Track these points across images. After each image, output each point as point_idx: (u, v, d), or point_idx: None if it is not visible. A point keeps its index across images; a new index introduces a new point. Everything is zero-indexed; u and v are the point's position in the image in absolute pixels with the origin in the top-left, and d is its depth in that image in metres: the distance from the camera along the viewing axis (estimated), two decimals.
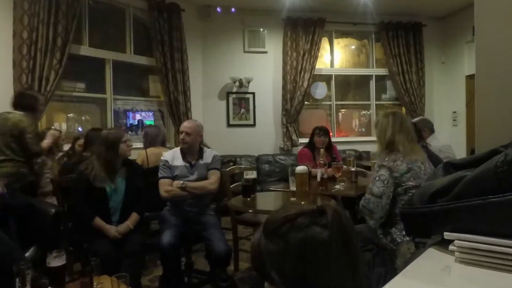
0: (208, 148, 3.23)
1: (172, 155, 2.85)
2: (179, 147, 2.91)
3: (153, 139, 3.74)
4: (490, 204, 0.66)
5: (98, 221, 2.50)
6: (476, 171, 0.72)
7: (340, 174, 3.15)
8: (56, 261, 1.64)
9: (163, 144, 3.84)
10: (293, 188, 2.56)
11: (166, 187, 2.75)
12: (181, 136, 2.82)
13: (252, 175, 2.82)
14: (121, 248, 2.47)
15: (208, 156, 2.90)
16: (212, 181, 2.79)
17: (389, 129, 2.23)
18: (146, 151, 3.63)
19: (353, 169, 3.31)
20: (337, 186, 3.03)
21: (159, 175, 2.81)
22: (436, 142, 3.48)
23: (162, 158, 2.85)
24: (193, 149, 2.83)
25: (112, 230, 2.50)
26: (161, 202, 2.87)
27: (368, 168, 3.68)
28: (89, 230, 2.50)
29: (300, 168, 2.53)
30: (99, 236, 2.46)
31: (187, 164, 2.81)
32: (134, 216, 2.62)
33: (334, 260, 0.71)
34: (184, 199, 2.76)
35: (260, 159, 5.85)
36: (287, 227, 0.74)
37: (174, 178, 2.79)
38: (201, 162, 2.84)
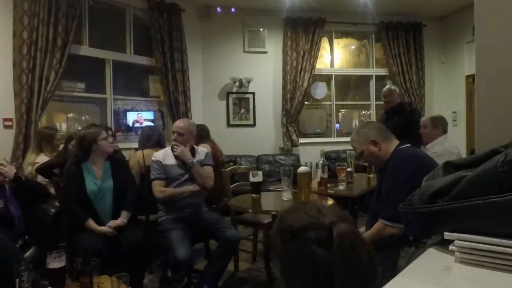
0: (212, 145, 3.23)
1: (164, 155, 2.81)
2: (169, 146, 2.87)
3: (145, 141, 3.62)
4: (490, 204, 0.66)
5: (91, 223, 2.48)
6: (476, 171, 0.72)
7: (344, 175, 3.15)
8: (55, 262, 1.64)
9: (158, 145, 3.73)
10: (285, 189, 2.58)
11: (159, 188, 2.72)
12: (174, 137, 2.79)
13: (258, 178, 2.83)
14: (117, 245, 2.47)
15: (201, 153, 2.90)
16: (207, 178, 2.80)
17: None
18: (143, 152, 3.58)
19: (349, 169, 3.30)
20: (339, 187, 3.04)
21: (151, 176, 2.76)
22: (448, 142, 3.25)
23: (153, 158, 2.80)
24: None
25: (105, 230, 2.47)
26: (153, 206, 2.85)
27: (365, 168, 3.68)
28: (85, 228, 2.50)
29: (302, 169, 2.54)
30: (94, 235, 2.45)
31: (180, 163, 2.79)
32: (124, 214, 2.60)
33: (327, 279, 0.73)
34: (178, 199, 2.74)
35: (260, 159, 5.85)
36: (291, 235, 0.77)
37: (167, 178, 2.76)
38: (194, 160, 2.81)
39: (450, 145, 3.20)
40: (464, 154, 5.26)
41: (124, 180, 2.71)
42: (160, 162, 2.76)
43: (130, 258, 2.43)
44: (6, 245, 2.02)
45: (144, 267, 2.67)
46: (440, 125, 3.30)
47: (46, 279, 1.59)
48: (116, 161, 2.79)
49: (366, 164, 3.40)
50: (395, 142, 1.91)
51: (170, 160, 2.79)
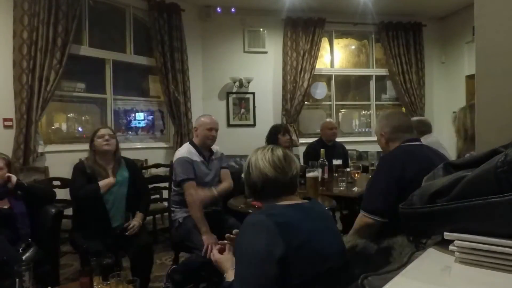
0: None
1: (189, 151, 2.66)
2: (188, 143, 2.79)
3: None
4: (490, 204, 0.66)
5: (102, 183, 2.53)
6: (476, 171, 0.72)
7: (358, 176, 3.20)
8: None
9: None
10: None
11: (193, 191, 2.54)
12: (214, 134, 2.74)
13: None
14: (124, 247, 2.49)
15: (217, 152, 2.88)
16: (231, 181, 2.80)
17: (469, 123, 1.97)
18: None
19: (348, 169, 3.31)
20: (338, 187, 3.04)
21: (182, 176, 2.55)
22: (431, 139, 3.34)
23: (180, 156, 2.60)
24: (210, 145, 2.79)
25: (111, 179, 2.53)
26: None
27: (366, 168, 3.67)
28: (89, 230, 2.51)
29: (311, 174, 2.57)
30: (99, 236, 2.47)
31: (204, 160, 2.71)
32: (139, 216, 2.64)
33: None
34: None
35: None
36: None
37: (195, 177, 2.60)
38: (213, 158, 2.80)
39: (433, 140, 3.20)
40: None
41: (139, 186, 2.74)
42: (189, 158, 2.60)
43: (138, 264, 2.47)
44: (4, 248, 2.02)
45: (151, 269, 2.65)
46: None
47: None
48: (133, 165, 2.80)
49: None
50: (402, 140, 1.94)
51: (196, 157, 2.66)
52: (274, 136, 3.64)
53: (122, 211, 2.61)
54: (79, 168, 2.62)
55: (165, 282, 2.60)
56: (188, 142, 2.81)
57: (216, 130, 2.79)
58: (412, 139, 1.96)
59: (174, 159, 2.70)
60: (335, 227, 1.43)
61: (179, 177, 2.56)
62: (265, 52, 6.05)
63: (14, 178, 2.42)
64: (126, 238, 2.51)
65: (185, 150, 2.69)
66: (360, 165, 3.33)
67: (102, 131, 2.65)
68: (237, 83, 5.87)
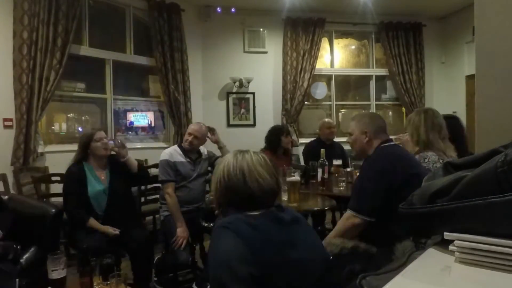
0: None
1: (171, 153, 2.87)
2: (176, 145, 2.99)
3: None
4: (490, 204, 0.66)
5: (93, 222, 2.48)
6: (476, 171, 0.72)
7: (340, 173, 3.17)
8: (56, 273, 1.65)
9: None
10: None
11: (171, 190, 2.76)
12: (190, 139, 2.86)
13: None
14: (123, 245, 2.48)
15: (204, 152, 3.03)
16: None
17: (422, 128, 2.17)
18: None
19: (348, 169, 3.31)
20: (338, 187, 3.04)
21: (163, 177, 2.79)
22: None
23: (161, 158, 2.82)
24: (196, 149, 2.94)
25: (110, 229, 2.47)
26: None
27: None
28: (87, 228, 2.50)
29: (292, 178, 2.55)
30: (97, 234, 2.46)
31: (190, 161, 2.88)
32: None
33: None
34: (185, 194, 2.82)
35: None
36: None
37: (179, 175, 2.81)
38: (202, 158, 2.96)
39: None
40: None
41: (122, 184, 2.71)
42: (170, 160, 2.80)
43: (137, 259, 2.48)
44: None
45: (151, 267, 2.67)
46: None
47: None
48: (116, 163, 2.74)
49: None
50: (383, 139, 1.98)
51: (180, 158, 2.85)
52: (276, 138, 3.66)
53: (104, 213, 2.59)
54: (71, 172, 2.60)
55: (154, 272, 2.83)
56: (176, 145, 3.02)
57: (196, 137, 2.93)
58: (389, 139, 2.02)
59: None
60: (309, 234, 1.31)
61: (160, 178, 2.81)
62: (265, 52, 6.05)
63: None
64: (120, 238, 2.50)
65: (168, 151, 2.88)
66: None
67: (99, 134, 2.63)
68: (237, 83, 5.87)
